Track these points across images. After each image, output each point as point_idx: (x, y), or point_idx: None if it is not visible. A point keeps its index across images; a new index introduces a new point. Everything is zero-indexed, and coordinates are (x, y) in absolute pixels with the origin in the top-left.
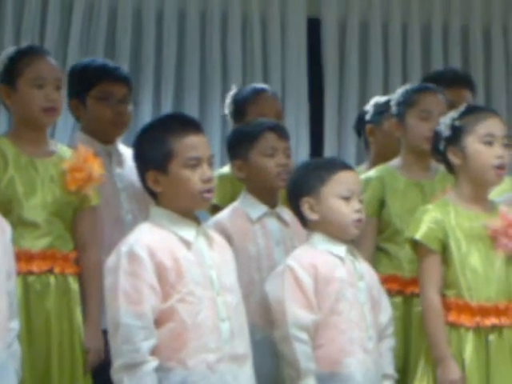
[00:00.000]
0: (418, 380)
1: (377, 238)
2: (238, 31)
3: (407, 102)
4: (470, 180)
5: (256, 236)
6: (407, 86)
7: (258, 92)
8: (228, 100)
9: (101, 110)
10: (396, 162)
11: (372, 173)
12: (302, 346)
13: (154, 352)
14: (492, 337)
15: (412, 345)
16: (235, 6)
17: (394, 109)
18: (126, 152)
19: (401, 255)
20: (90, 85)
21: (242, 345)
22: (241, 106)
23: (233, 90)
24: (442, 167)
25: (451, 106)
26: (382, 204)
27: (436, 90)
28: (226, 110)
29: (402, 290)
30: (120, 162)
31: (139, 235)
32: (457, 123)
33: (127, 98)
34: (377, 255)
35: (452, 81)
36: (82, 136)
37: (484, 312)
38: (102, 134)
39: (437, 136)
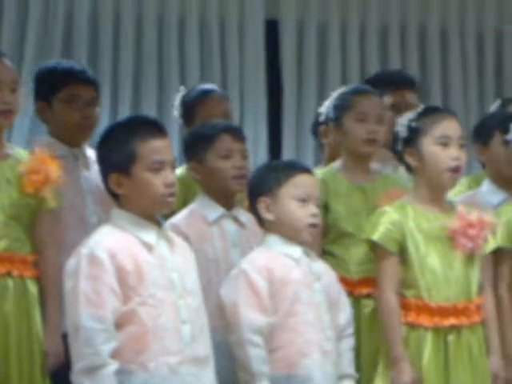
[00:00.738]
0: (377, 381)
1: (322, 240)
2: (196, 33)
3: (343, 106)
4: (427, 181)
5: (213, 238)
6: (342, 90)
7: (205, 93)
8: (177, 102)
9: (68, 113)
10: (337, 164)
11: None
12: (255, 350)
13: (114, 355)
14: (451, 337)
15: (362, 346)
16: (193, 7)
17: (330, 113)
18: (94, 155)
19: (347, 257)
20: (57, 87)
21: (204, 347)
22: (189, 108)
23: (181, 92)
24: (383, 170)
25: (396, 108)
26: (325, 207)
27: (370, 92)
28: (176, 112)
29: (351, 291)
30: (86, 164)
31: (100, 237)
32: (413, 124)
33: (94, 100)
34: (323, 258)
35: (395, 83)
36: (48, 139)
37: (443, 312)
38: (69, 137)
39: (395, 137)
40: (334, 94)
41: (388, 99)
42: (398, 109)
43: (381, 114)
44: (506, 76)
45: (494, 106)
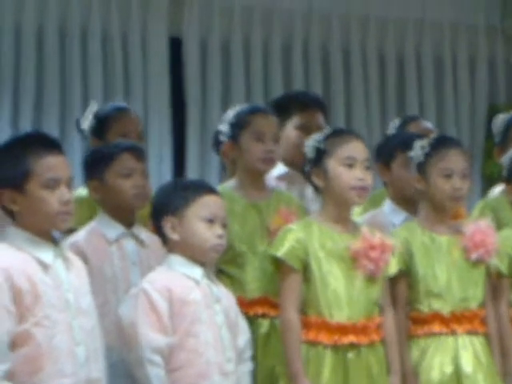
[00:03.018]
0: None
1: (218, 260)
2: (99, 50)
3: (239, 124)
4: (333, 201)
5: (112, 257)
6: (238, 108)
7: (121, 110)
8: (89, 115)
9: None
10: (232, 183)
11: None
12: (154, 369)
13: (8, 376)
14: (350, 355)
15: (258, 366)
16: (96, 24)
17: (226, 131)
18: None
19: (243, 277)
20: None
21: (97, 369)
22: (103, 124)
23: (93, 106)
24: (277, 187)
25: (305, 129)
26: None
27: (267, 111)
28: (85, 125)
29: (247, 311)
30: None
31: None
32: (320, 146)
33: None
34: (219, 278)
35: (304, 104)
36: None
37: (343, 330)
38: None
39: (304, 158)
40: (231, 113)
41: (297, 120)
42: (307, 130)
43: (277, 133)
44: (408, 96)
45: (393, 125)
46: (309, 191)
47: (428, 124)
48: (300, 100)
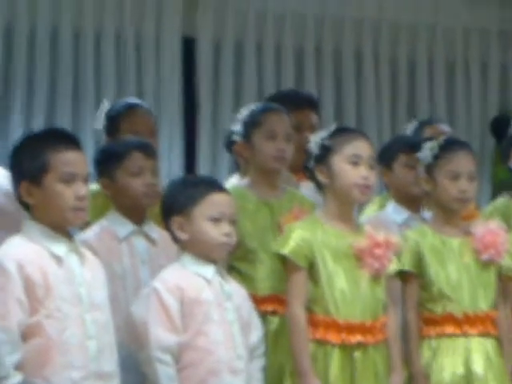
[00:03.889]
0: None
1: (229, 257)
2: (112, 49)
3: (252, 123)
4: (337, 198)
5: (122, 254)
6: (252, 106)
7: (132, 107)
8: (101, 114)
9: None
10: (245, 181)
11: None
12: (164, 368)
13: (18, 367)
14: (357, 354)
15: (268, 363)
16: (110, 23)
17: (240, 129)
18: None
19: (253, 274)
20: None
21: (110, 363)
22: (114, 121)
23: (105, 104)
24: (289, 186)
25: (297, 127)
26: None
27: (280, 110)
28: (99, 125)
29: (257, 308)
30: None
31: (8, 248)
32: (325, 142)
33: None
34: (230, 274)
35: (297, 103)
36: None
37: (350, 329)
38: None
39: (307, 154)
40: (244, 111)
41: (290, 119)
42: (300, 129)
43: (290, 133)
44: (419, 101)
45: (410, 128)
46: (304, 191)
47: (444, 127)
48: (292, 99)
